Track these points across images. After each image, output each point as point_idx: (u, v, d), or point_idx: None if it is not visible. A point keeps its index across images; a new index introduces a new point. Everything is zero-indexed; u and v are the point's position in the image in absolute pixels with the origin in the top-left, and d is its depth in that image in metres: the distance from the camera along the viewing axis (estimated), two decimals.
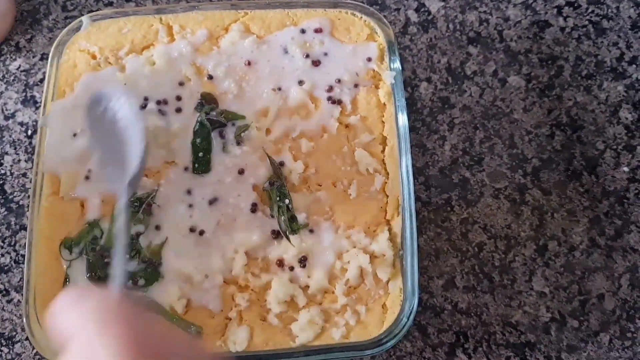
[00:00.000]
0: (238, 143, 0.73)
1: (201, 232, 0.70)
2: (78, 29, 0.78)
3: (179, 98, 0.74)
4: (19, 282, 0.81)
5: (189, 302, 0.68)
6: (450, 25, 0.91)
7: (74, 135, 0.72)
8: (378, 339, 0.67)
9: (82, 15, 0.91)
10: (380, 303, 0.69)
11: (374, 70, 0.77)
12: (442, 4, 0.93)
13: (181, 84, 0.75)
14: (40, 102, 0.87)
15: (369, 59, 0.77)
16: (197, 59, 0.76)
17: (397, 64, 0.76)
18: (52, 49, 0.77)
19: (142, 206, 0.69)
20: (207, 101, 0.74)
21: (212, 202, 0.71)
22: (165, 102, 0.74)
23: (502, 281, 0.80)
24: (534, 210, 0.83)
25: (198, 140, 0.72)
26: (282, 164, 0.73)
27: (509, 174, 0.84)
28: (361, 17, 0.78)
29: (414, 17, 0.92)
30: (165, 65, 0.75)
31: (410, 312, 0.67)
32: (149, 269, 0.68)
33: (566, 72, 0.89)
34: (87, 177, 0.71)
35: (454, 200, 0.83)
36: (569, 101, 0.87)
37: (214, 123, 0.73)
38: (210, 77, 0.75)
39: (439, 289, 0.80)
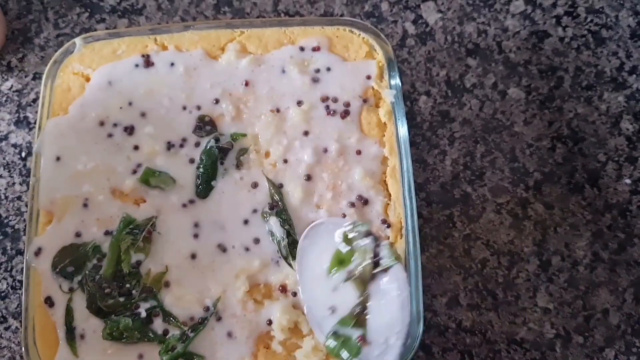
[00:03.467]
0: (237, 167, 0.72)
1: (202, 259, 0.69)
2: (72, 50, 0.76)
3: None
4: (16, 308, 0.79)
5: None
6: (449, 37, 0.90)
7: (71, 160, 0.71)
8: None
9: (74, 32, 0.90)
10: None
11: (373, 88, 0.75)
12: (440, 15, 0.91)
13: (184, 108, 0.74)
14: (34, 123, 0.85)
15: (369, 77, 0.75)
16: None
17: (396, 80, 0.75)
18: (46, 70, 0.75)
19: (142, 233, 0.68)
20: (205, 124, 0.73)
21: (213, 227, 0.70)
22: None
23: (506, 298, 0.80)
24: (537, 224, 0.82)
25: (203, 168, 0.71)
26: (281, 185, 0.72)
27: (510, 188, 0.84)
28: (359, 35, 0.77)
29: (411, 29, 0.91)
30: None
31: (417, 337, 0.66)
32: (148, 298, 0.67)
33: (566, 83, 0.88)
34: (85, 205, 0.70)
35: (455, 216, 0.83)
36: (570, 113, 0.87)
37: (221, 150, 0.72)
38: (217, 102, 0.74)
39: (443, 307, 0.79)
